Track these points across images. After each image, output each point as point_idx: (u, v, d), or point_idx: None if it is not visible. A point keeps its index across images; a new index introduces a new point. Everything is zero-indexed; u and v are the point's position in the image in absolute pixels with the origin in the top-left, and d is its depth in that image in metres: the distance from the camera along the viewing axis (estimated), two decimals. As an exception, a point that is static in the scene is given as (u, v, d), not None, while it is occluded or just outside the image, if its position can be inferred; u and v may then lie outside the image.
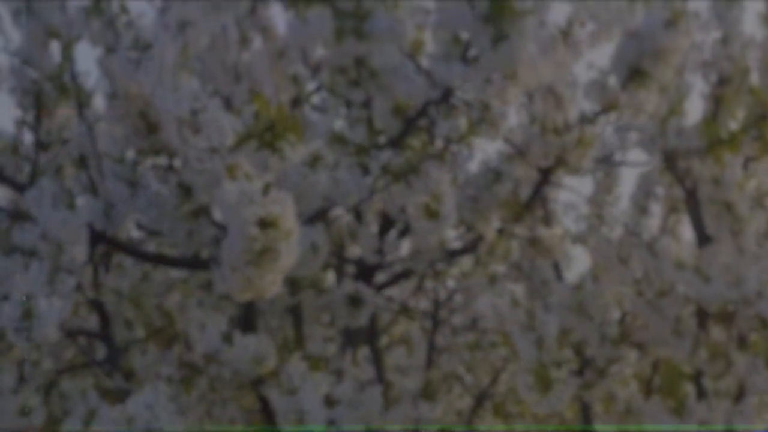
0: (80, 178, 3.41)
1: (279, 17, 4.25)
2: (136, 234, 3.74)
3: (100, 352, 3.84)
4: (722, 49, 3.73)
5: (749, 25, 3.99)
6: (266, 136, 2.37)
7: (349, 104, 3.60)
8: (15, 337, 2.57)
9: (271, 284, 2.55)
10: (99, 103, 3.38)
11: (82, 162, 3.39)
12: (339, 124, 3.72)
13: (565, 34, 2.67)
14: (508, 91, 2.74)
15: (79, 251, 2.77)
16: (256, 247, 2.46)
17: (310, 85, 3.74)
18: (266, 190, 2.40)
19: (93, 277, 3.44)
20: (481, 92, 2.75)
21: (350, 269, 3.60)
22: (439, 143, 2.88)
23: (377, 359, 3.90)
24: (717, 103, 3.76)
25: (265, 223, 2.46)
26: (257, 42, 3.42)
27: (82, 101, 3.24)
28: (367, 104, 3.39)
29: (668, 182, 4.02)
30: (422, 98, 2.78)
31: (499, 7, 2.70)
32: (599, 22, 2.81)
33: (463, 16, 2.74)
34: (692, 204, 3.74)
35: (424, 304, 4.63)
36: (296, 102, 3.82)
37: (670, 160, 3.76)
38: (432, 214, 2.94)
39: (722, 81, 3.75)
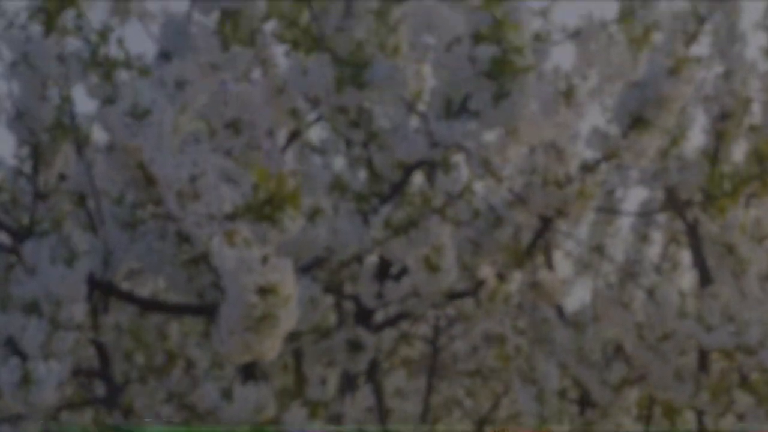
0: (78, 216, 3.39)
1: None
2: (135, 264, 3.73)
3: (100, 388, 3.83)
4: (724, 84, 3.70)
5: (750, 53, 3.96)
6: (265, 209, 2.36)
7: (349, 143, 3.58)
8: (13, 402, 2.56)
9: (270, 349, 2.54)
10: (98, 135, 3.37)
11: (81, 200, 3.38)
12: (339, 163, 3.71)
13: (567, 95, 2.65)
14: (509, 148, 2.72)
15: (77, 309, 2.75)
16: (255, 313, 2.45)
17: (310, 116, 3.71)
18: (265, 259, 2.38)
19: (92, 318, 3.42)
20: (482, 148, 2.72)
21: (349, 306, 3.59)
22: (439, 198, 2.86)
23: (377, 387, 3.89)
24: (718, 138, 3.74)
25: (264, 290, 2.44)
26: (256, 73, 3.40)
27: (80, 141, 3.21)
28: (367, 145, 3.37)
29: (669, 214, 4.01)
30: (422, 157, 2.76)
31: (500, 63, 2.67)
32: (602, 76, 2.79)
33: (464, 71, 2.72)
34: (693, 239, 3.72)
35: (424, 329, 4.62)
36: (295, 134, 3.81)
37: (671, 194, 3.75)
38: (432, 267, 2.92)
39: (724, 116, 3.73)
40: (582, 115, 2.72)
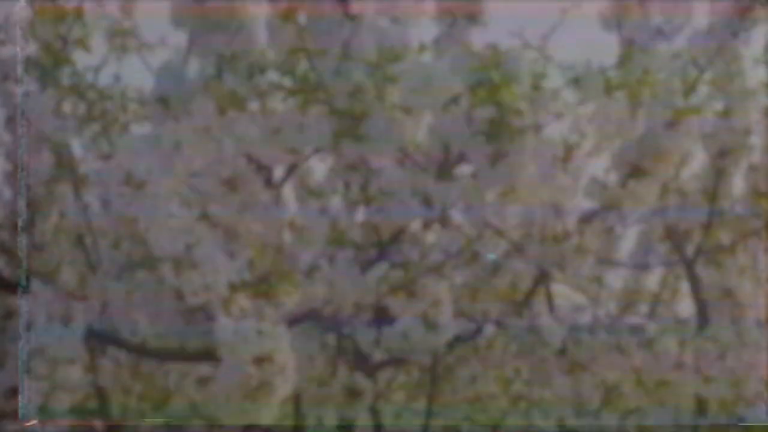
0: (76, 262, 3.39)
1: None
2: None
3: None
4: (724, 121, 3.68)
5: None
6: (262, 286, 2.35)
7: (347, 184, 3.56)
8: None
9: (268, 416, 2.55)
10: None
11: (79, 241, 3.37)
12: (337, 204, 3.68)
13: (565, 159, 2.64)
14: (507, 207, 2.71)
15: (74, 370, 2.74)
16: (252, 383, 2.45)
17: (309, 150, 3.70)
18: (261, 332, 2.38)
19: (90, 359, 3.42)
20: (480, 208, 2.72)
21: (348, 345, 3.58)
22: (436, 254, 2.85)
23: (375, 414, 3.89)
24: (718, 175, 3.71)
25: (260, 359, 2.45)
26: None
27: (78, 183, 3.21)
28: (365, 187, 3.35)
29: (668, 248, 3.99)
30: (419, 218, 2.75)
31: (497, 124, 2.66)
32: (600, 135, 2.78)
33: (461, 130, 2.71)
34: (692, 274, 3.70)
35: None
36: (293, 168, 3.79)
37: (670, 231, 3.74)
38: (430, 324, 2.91)
39: (723, 153, 3.70)
40: (580, 177, 2.71)
